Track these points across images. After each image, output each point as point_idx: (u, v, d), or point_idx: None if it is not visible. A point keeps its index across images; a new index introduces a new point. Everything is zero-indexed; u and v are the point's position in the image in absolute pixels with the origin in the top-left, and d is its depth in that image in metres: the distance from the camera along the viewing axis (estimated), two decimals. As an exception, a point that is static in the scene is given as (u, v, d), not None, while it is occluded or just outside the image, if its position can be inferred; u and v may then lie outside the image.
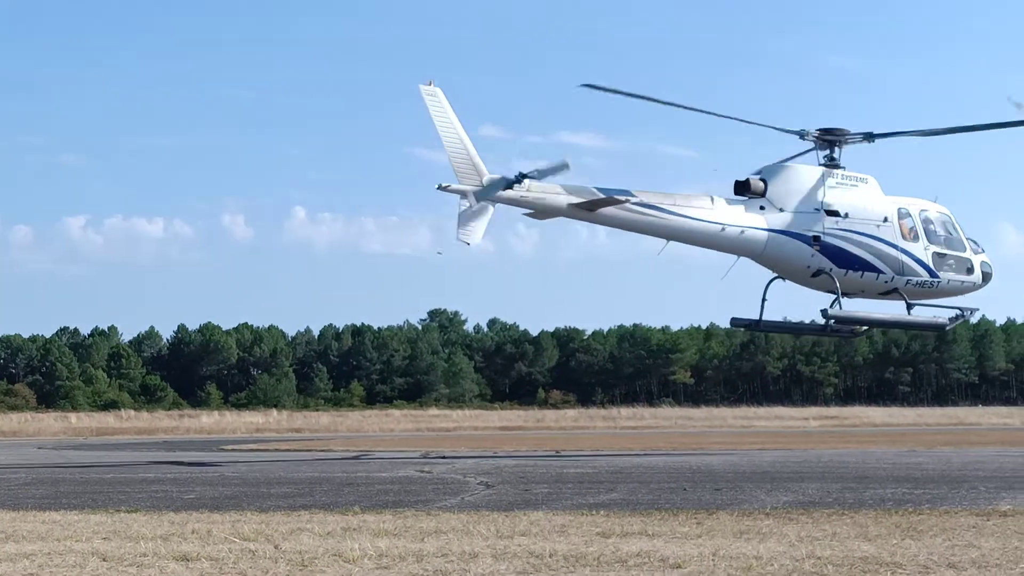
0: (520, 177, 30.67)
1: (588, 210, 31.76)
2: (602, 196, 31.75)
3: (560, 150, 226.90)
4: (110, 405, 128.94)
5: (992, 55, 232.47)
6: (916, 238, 34.76)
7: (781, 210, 33.41)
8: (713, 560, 11.46)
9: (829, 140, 33.78)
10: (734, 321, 36.64)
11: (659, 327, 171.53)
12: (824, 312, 34.05)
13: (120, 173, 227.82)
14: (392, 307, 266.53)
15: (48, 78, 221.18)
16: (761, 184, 33.47)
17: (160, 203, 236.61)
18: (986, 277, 36.23)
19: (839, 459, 33.11)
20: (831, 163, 34.20)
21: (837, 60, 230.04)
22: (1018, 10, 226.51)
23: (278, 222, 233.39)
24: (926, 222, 35.05)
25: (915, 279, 34.65)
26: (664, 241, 33.03)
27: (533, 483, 23.56)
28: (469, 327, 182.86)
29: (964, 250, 35.67)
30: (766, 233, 33.25)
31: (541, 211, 31.87)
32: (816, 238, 33.46)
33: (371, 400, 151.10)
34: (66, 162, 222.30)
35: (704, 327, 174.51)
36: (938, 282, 35.08)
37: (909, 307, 34.98)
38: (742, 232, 32.99)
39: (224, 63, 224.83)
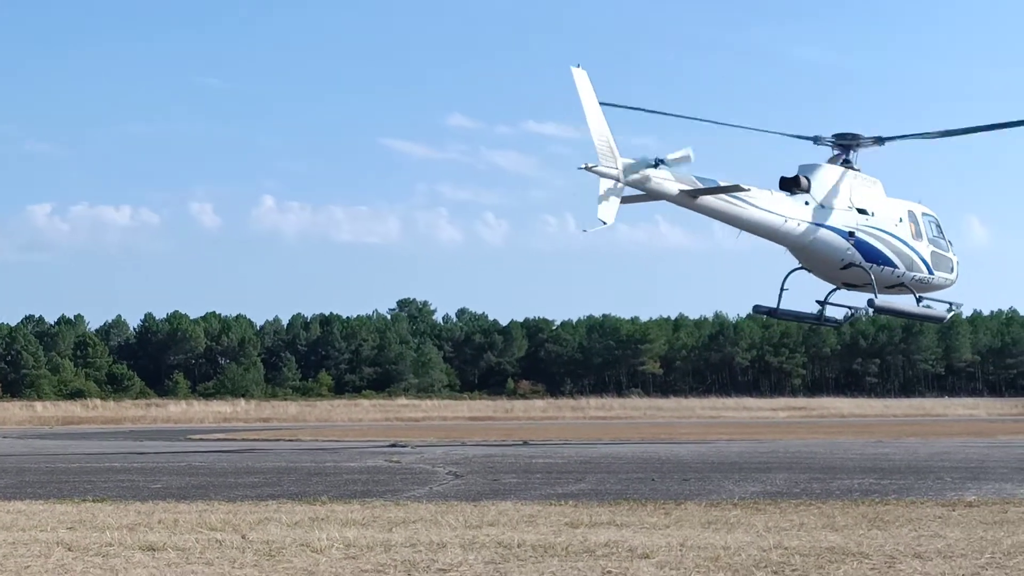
0: (658, 162, 32.90)
1: (693, 197, 33.95)
2: (704, 186, 33.94)
3: (529, 139, 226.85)
4: (76, 394, 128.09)
5: (960, 46, 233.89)
6: (920, 237, 37.92)
7: (822, 206, 35.99)
8: (681, 550, 11.48)
9: (845, 144, 36.71)
10: (756, 308, 39.61)
11: (628, 318, 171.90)
12: (870, 301, 36.83)
13: (87, 161, 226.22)
14: (361, 297, 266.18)
15: (14, 65, 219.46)
16: (806, 181, 35.96)
17: (127, 191, 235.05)
18: (958, 276, 39.23)
19: (807, 450, 33.27)
20: (847, 166, 36.92)
21: (804, 52, 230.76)
22: (984, 1, 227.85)
23: (247, 211, 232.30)
24: (926, 223, 38.22)
25: (918, 275, 37.79)
26: (739, 230, 35.48)
27: (502, 473, 23.58)
28: (438, 317, 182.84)
29: (948, 250, 38.74)
30: (815, 227, 35.87)
31: (653, 196, 33.83)
32: (851, 233, 36.32)
33: (340, 390, 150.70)
34: (32, 149, 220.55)
35: (673, 318, 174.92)
36: (932, 279, 38.29)
37: (919, 300, 38.35)
38: (798, 224, 35.60)
39: (193, 51, 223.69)
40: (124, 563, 11.06)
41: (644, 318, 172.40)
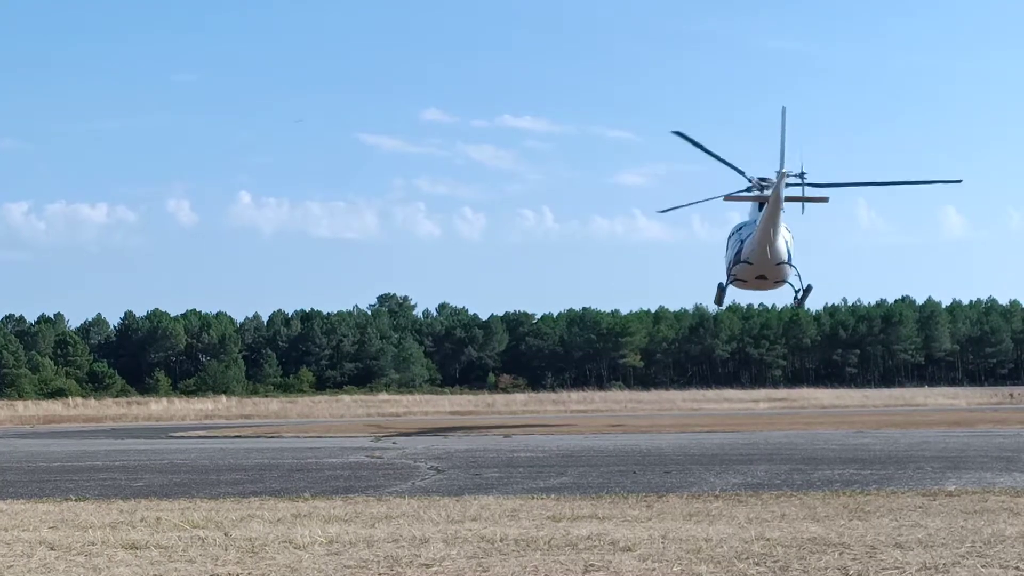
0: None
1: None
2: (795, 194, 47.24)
3: (505, 133, 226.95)
4: (57, 393, 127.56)
5: (929, 35, 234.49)
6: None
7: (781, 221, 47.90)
8: (663, 543, 11.52)
9: (763, 185, 48.10)
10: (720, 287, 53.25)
11: (609, 311, 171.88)
12: (809, 286, 50.93)
13: (62, 158, 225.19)
14: (341, 292, 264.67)
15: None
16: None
17: (103, 189, 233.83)
18: None
19: (787, 441, 33.37)
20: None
21: (776, 43, 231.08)
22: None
23: (223, 207, 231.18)
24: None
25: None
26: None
27: (484, 467, 23.60)
28: (419, 312, 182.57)
29: None
30: (779, 236, 47.56)
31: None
32: (787, 241, 48.51)
33: (321, 386, 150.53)
34: (7, 147, 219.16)
35: (653, 311, 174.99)
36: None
37: (796, 288, 51.09)
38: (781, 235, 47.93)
39: (168, 46, 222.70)
40: (107, 562, 11.05)
41: (624, 311, 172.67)
